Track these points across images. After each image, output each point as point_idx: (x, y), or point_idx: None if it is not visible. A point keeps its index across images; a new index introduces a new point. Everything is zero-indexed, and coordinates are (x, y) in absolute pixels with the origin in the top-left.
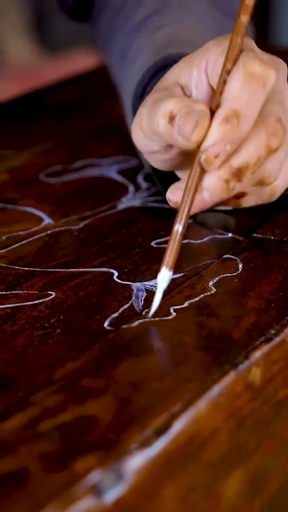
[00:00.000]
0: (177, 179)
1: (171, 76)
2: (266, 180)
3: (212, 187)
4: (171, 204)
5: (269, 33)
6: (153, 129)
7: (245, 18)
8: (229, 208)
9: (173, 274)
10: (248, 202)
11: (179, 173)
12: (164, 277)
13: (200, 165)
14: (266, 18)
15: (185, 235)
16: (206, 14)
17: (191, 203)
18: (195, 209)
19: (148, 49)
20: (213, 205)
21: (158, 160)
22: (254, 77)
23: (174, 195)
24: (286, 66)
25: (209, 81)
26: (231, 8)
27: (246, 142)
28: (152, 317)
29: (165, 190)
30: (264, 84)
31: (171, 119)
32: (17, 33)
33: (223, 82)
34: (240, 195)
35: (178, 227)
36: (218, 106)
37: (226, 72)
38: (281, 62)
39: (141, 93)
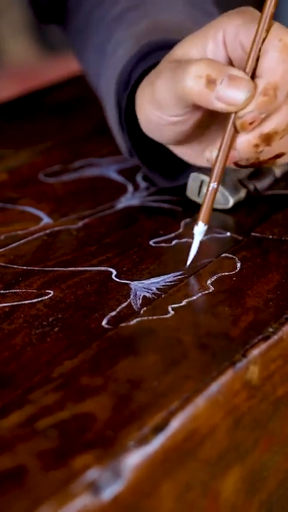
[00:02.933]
0: (163, 164)
1: (181, 50)
2: None
3: (242, 149)
4: (209, 163)
5: None
6: (180, 95)
7: None
8: (228, 206)
9: (171, 273)
10: (284, 160)
11: (177, 148)
12: (200, 229)
13: (234, 127)
14: None
15: (183, 234)
16: (181, 11)
17: (225, 163)
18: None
19: (129, 39)
20: (245, 164)
21: (167, 133)
22: None
23: (211, 153)
24: None
25: (227, 53)
26: (205, 6)
27: (278, 109)
28: (150, 315)
29: (144, 165)
30: None
31: (210, 82)
32: (17, 33)
33: (258, 50)
34: (280, 155)
35: (213, 185)
36: (252, 71)
37: (260, 41)
38: None
39: (127, 79)
